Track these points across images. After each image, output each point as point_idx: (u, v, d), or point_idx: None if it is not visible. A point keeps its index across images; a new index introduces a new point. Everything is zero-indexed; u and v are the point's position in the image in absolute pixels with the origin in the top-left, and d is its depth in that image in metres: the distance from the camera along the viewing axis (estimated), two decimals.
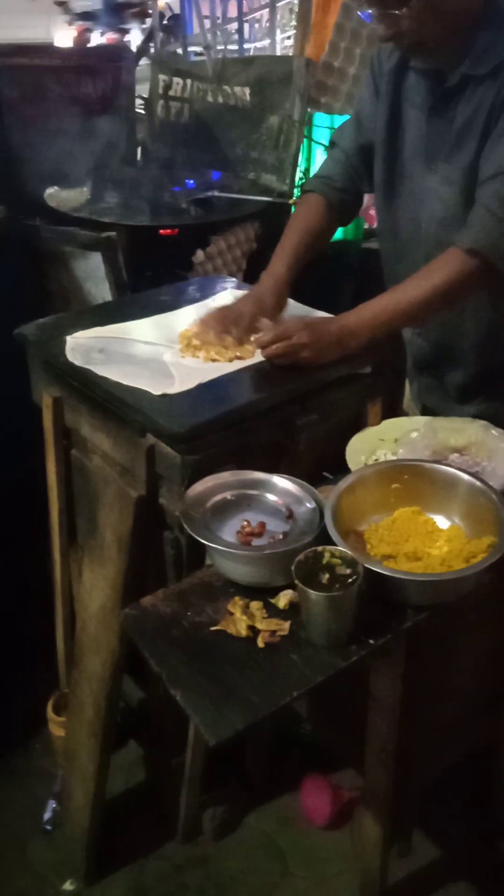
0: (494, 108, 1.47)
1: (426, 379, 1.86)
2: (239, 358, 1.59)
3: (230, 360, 1.58)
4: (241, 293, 1.88)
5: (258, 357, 1.58)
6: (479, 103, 1.49)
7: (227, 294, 1.89)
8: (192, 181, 2.79)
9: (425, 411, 1.84)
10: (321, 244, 1.83)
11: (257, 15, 4.84)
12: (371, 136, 1.71)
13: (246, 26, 4.10)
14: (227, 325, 1.63)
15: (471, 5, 1.46)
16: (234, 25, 3.88)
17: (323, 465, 1.52)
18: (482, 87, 1.48)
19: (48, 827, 1.86)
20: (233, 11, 3.87)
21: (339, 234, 3.03)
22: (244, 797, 1.89)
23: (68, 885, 1.75)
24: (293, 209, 2.84)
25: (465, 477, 1.35)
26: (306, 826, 1.85)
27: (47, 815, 1.87)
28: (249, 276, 2.42)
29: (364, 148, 1.75)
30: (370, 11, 1.48)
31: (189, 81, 3.11)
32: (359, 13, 1.51)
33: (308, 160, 2.96)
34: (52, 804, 1.88)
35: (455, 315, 1.69)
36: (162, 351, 1.62)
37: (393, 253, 1.77)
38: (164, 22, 5.90)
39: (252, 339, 1.62)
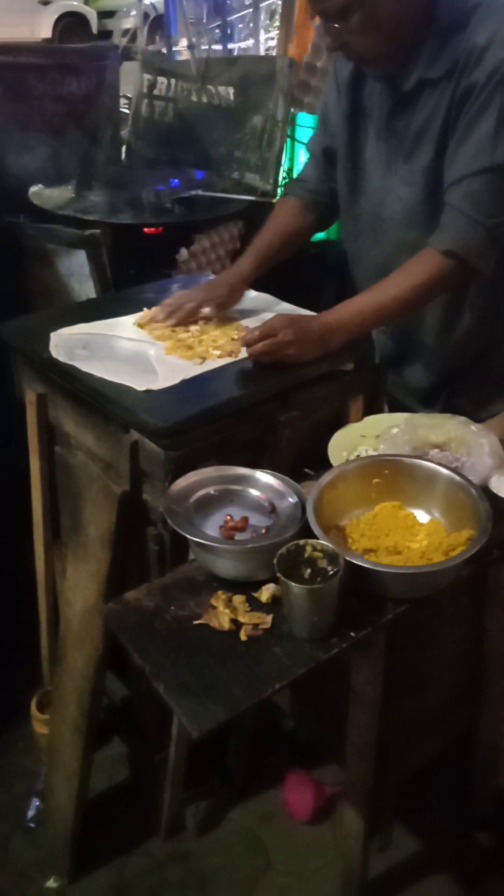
0: (451, 108, 1.49)
1: (392, 376, 1.88)
2: (221, 353, 1.60)
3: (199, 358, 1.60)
4: None
5: (241, 353, 1.59)
6: (435, 104, 1.52)
7: None
8: (176, 180, 2.80)
9: (393, 404, 1.86)
10: (295, 245, 1.87)
11: (241, 15, 4.86)
12: (336, 139, 1.74)
13: (229, 27, 4.12)
14: (172, 307, 1.71)
15: (412, 16, 1.46)
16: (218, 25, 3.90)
17: (304, 461, 1.54)
18: (437, 90, 1.51)
19: (31, 824, 1.85)
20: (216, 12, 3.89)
21: (320, 233, 3.06)
22: (226, 793, 1.90)
23: (51, 883, 1.75)
24: None
25: (445, 472, 1.37)
26: (289, 821, 1.86)
27: (30, 813, 1.87)
28: None
29: (330, 150, 1.78)
30: (317, 23, 1.51)
31: (173, 81, 3.12)
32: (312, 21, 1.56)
33: (291, 160, 2.97)
34: (34, 802, 1.88)
35: (425, 314, 1.72)
36: (146, 347, 1.62)
37: (356, 253, 1.81)
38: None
39: (236, 337, 1.64)
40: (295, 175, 2.99)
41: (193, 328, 1.71)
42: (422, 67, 1.50)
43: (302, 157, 3.00)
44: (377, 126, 1.63)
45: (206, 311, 1.74)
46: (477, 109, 1.45)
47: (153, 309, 1.76)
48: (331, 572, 1.17)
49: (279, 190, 2.77)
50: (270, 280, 1.86)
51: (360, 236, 1.76)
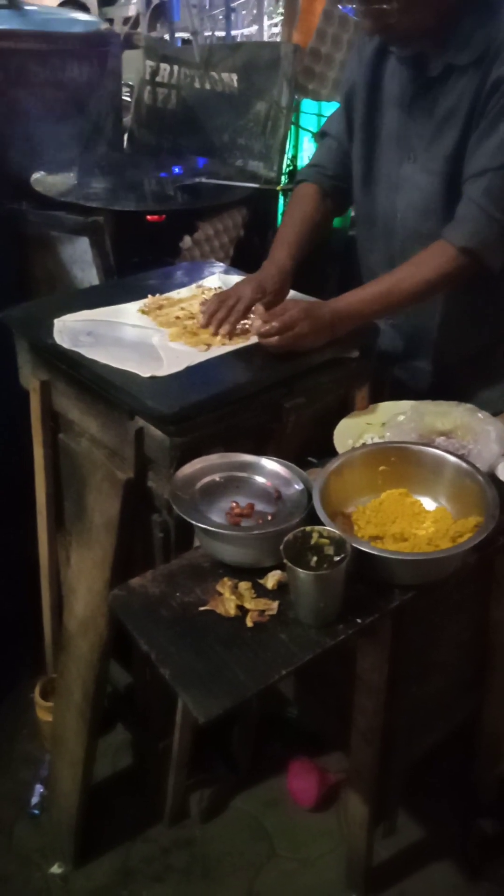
0: (479, 97, 1.47)
1: (398, 370, 1.86)
2: (226, 339, 1.59)
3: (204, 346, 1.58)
4: (230, 277, 1.88)
5: (246, 340, 1.58)
6: (461, 92, 1.49)
7: (215, 278, 1.89)
8: (178, 167, 2.78)
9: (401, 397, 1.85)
10: (320, 233, 1.83)
11: (244, 1, 4.82)
12: (355, 119, 1.71)
13: (233, 13, 4.09)
14: (226, 307, 1.61)
15: None
16: (221, 11, 3.87)
17: (310, 449, 1.53)
18: (465, 77, 1.48)
19: (35, 811, 1.86)
20: None
21: None
22: (231, 780, 1.91)
23: (55, 869, 1.75)
24: (280, 196, 2.85)
25: (452, 459, 1.36)
26: (293, 808, 1.86)
27: (34, 800, 1.88)
28: (236, 262, 2.41)
29: (350, 131, 1.74)
30: (353, 7, 1.47)
31: (176, 67, 3.09)
32: (340, 7, 1.50)
33: (295, 147, 2.95)
34: (38, 788, 1.89)
35: (423, 307, 1.70)
36: (150, 334, 1.61)
37: (368, 240, 1.78)
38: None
39: (247, 326, 1.62)
40: (300, 161, 2.99)
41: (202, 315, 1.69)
42: (451, 52, 1.47)
43: (307, 143, 2.98)
44: (398, 109, 1.60)
45: (258, 314, 1.58)
46: None
47: (200, 305, 1.69)
48: (337, 559, 1.17)
49: (283, 177, 2.76)
50: None
51: (372, 224, 1.74)
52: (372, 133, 1.67)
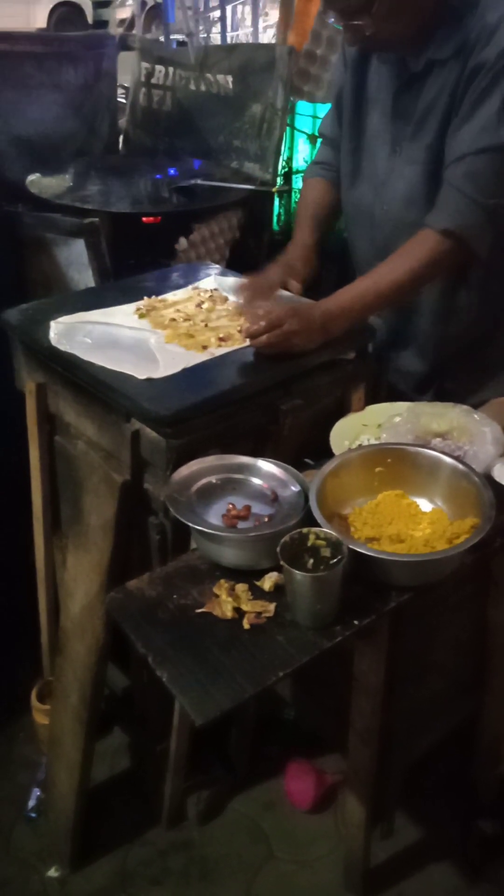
0: (458, 86, 1.48)
1: (386, 360, 1.87)
2: (222, 341, 1.59)
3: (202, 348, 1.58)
4: (225, 279, 1.88)
5: (243, 342, 1.58)
6: (442, 83, 1.51)
7: (211, 280, 1.89)
8: (174, 169, 2.78)
9: (388, 390, 1.86)
10: (333, 218, 1.89)
11: (239, 3, 4.82)
12: (344, 118, 1.73)
13: (228, 14, 4.08)
14: (258, 291, 1.66)
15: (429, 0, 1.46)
16: (217, 13, 3.86)
17: (306, 451, 1.53)
18: (446, 69, 1.50)
19: (32, 814, 1.85)
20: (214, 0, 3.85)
21: None
22: (228, 782, 1.91)
23: (53, 872, 1.75)
24: (275, 197, 2.85)
25: (448, 460, 1.36)
26: (290, 810, 1.86)
27: (31, 803, 1.87)
28: (232, 263, 2.41)
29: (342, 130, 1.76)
30: (333, 20, 1.49)
31: (171, 69, 3.09)
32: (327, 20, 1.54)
33: (291, 149, 2.95)
34: (36, 792, 1.88)
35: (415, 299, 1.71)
36: (147, 336, 1.61)
37: (357, 236, 1.79)
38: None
39: (237, 328, 1.63)
40: (295, 163, 2.99)
41: (198, 317, 1.69)
42: (432, 49, 1.49)
43: (302, 145, 2.98)
44: (383, 106, 1.63)
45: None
46: (484, 88, 1.44)
47: (236, 290, 1.72)
48: (334, 560, 1.17)
49: (279, 179, 2.76)
50: None
51: (359, 219, 1.76)
52: (359, 130, 1.69)
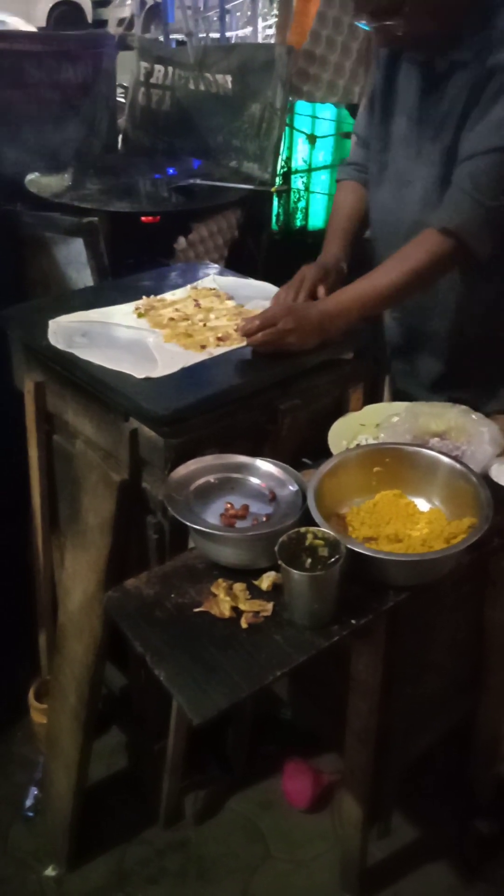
0: (475, 89, 1.48)
1: (400, 364, 1.87)
2: (221, 340, 1.59)
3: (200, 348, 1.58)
4: (224, 279, 1.88)
5: (241, 342, 1.58)
6: (462, 85, 1.50)
7: (210, 280, 1.90)
8: (173, 169, 2.78)
9: (398, 395, 1.86)
10: (367, 222, 1.87)
11: (238, 3, 4.83)
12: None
13: (227, 14, 4.09)
14: (292, 289, 1.66)
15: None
16: (216, 13, 3.87)
17: (304, 450, 1.53)
18: (467, 71, 1.49)
19: (29, 813, 1.85)
20: (213, 0, 3.86)
21: (321, 222, 3.05)
22: (225, 782, 1.91)
23: (50, 871, 1.75)
24: (274, 197, 2.85)
25: (446, 460, 1.37)
26: (287, 810, 1.86)
27: (28, 802, 1.87)
28: (231, 263, 2.41)
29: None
30: (364, 21, 1.48)
31: (170, 69, 3.09)
32: (357, 24, 1.54)
33: (289, 148, 2.96)
34: (33, 791, 1.88)
35: (427, 300, 1.70)
36: (145, 335, 1.61)
37: (382, 237, 1.78)
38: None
39: (235, 328, 1.63)
40: (294, 163, 2.99)
41: (196, 316, 1.69)
42: (456, 50, 1.49)
43: (301, 145, 2.98)
44: (409, 108, 1.62)
45: (319, 292, 1.66)
46: (496, 90, 1.44)
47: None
48: (332, 560, 1.17)
49: (277, 179, 2.76)
50: (270, 269, 1.85)
51: (383, 221, 1.74)
52: (387, 131, 1.68)
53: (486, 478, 1.35)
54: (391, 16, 1.43)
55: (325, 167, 3.05)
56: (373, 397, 1.71)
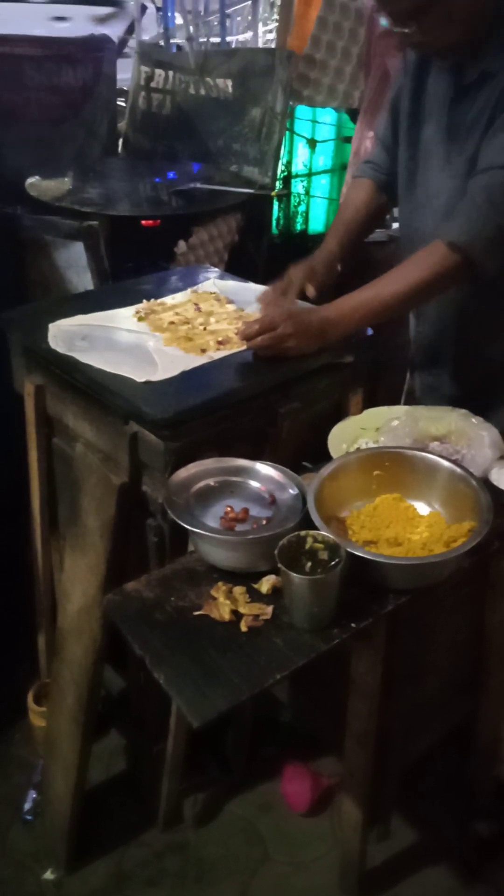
0: (499, 101, 1.46)
1: (427, 377, 1.86)
2: (221, 344, 1.60)
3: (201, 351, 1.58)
4: (224, 283, 1.89)
5: (242, 345, 1.59)
6: (489, 95, 1.48)
7: (210, 283, 1.90)
8: (173, 172, 2.78)
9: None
10: (371, 223, 1.90)
11: (239, 7, 4.83)
12: (401, 124, 1.71)
13: (228, 19, 4.09)
14: (279, 291, 1.68)
15: (484, 7, 1.43)
16: (216, 17, 3.86)
17: (304, 453, 1.54)
18: (495, 81, 1.47)
19: (28, 816, 1.86)
20: (214, 4, 3.86)
21: (321, 226, 3.06)
22: (225, 784, 1.91)
23: (49, 874, 1.75)
24: (274, 201, 2.86)
25: (446, 464, 1.37)
26: (287, 812, 1.86)
27: (28, 805, 1.87)
28: (231, 267, 2.42)
29: (396, 135, 1.75)
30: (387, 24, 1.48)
31: (171, 73, 3.10)
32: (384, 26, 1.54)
33: (290, 153, 2.96)
34: (32, 794, 1.88)
35: (446, 316, 1.69)
36: (145, 339, 1.62)
37: (407, 243, 1.76)
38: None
39: (235, 331, 1.63)
40: (294, 167, 3.00)
41: (197, 320, 1.70)
42: (486, 60, 1.47)
43: (301, 149, 2.99)
44: (438, 117, 1.60)
45: (308, 291, 1.70)
46: None
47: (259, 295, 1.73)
48: (332, 563, 1.18)
49: (277, 183, 2.76)
50: (270, 273, 1.85)
51: (415, 227, 1.72)
52: (416, 140, 1.66)
53: (486, 481, 1.36)
54: (413, 20, 1.41)
55: (325, 171, 3.06)
56: (373, 401, 1.72)
